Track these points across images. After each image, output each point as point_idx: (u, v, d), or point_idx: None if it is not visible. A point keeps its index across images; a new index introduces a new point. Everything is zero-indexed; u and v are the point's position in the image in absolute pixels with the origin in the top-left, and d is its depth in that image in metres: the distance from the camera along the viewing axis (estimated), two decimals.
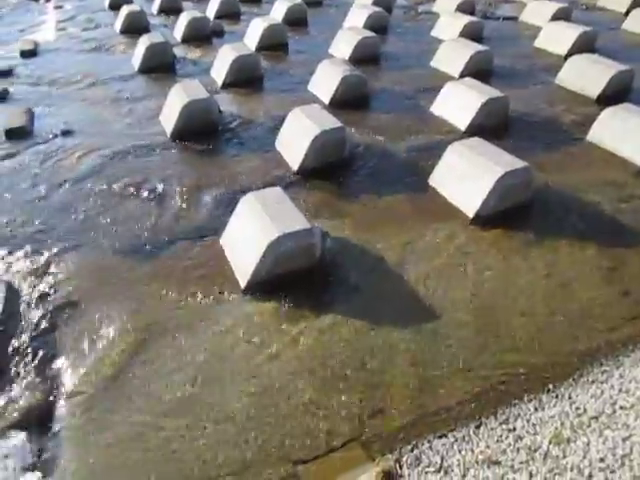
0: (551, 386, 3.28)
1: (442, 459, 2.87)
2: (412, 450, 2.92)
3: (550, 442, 2.94)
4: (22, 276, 4.16)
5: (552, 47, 8.88)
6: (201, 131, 6.17)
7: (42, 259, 4.32)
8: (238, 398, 3.21)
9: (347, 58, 8.22)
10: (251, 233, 4.10)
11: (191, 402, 3.19)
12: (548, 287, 4.04)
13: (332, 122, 5.51)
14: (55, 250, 4.41)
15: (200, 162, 5.78)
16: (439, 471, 2.81)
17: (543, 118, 6.65)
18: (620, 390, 3.24)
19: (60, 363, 3.46)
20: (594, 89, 7.10)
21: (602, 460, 2.84)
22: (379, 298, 3.95)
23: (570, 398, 3.19)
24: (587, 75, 7.22)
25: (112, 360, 3.46)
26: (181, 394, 3.24)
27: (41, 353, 3.52)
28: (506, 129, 6.37)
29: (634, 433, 2.97)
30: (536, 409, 3.13)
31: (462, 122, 6.33)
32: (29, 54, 8.88)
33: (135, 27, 9.88)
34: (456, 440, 2.97)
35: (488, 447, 2.92)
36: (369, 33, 8.67)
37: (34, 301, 3.92)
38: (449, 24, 9.47)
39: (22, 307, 3.87)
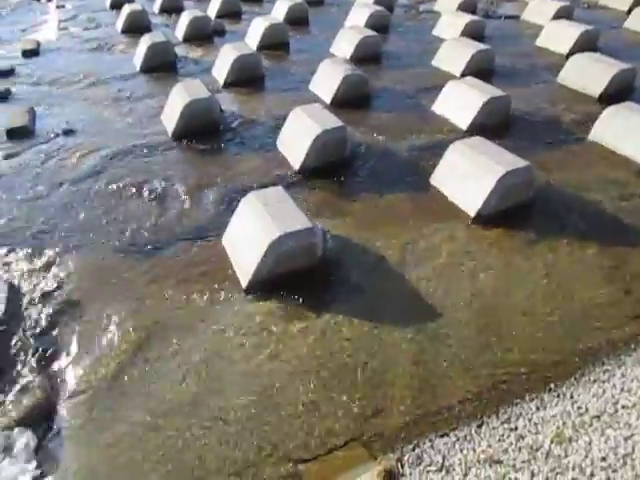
0: (553, 385, 3.27)
1: (444, 458, 2.86)
2: (414, 449, 2.92)
3: (552, 441, 2.94)
4: (24, 276, 4.17)
5: (554, 46, 8.86)
6: (202, 130, 6.17)
7: (43, 259, 4.33)
8: (239, 397, 3.21)
9: (348, 57, 8.23)
10: (252, 232, 4.10)
11: (192, 402, 3.19)
12: (549, 286, 4.04)
13: (333, 121, 5.51)
14: (56, 250, 4.42)
15: (201, 161, 5.78)
16: (440, 470, 2.81)
17: (545, 117, 6.64)
18: (622, 389, 3.24)
19: (61, 362, 3.46)
20: (596, 88, 7.08)
21: (604, 459, 2.84)
22: (380, 297, 3.95)
23: (572, 397, 3.19)
24: (589, 74, 7.21)
25: (113, 359, 3.46)
26: (182, 394, 3.24)
27: (42, 352, 3.53)
28: (507, 128, 6.36)
29: (636, 432, 2.97)
30: (538, 408, 3.13)
31: (463, 121, 6.33)
32: (31, 54, 8.90)
33: (136, 26, 9.89)
34: (458, 439, 2.97)
35: (490, 446, 2.92)
36: (370, 32, 8.67)
37: (35, 301, 3.93)
38: (450, 23, 9.46)
39: (24, 307, 3.88)
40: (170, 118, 6.33)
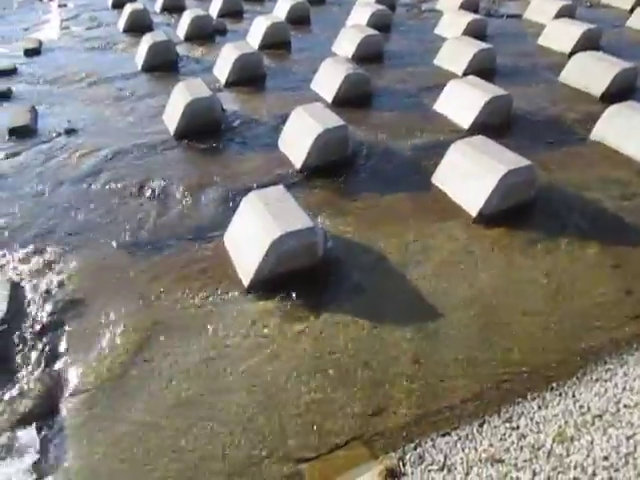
0: (555, 384, 3.27)
1: (445, 457, 2.86)
2: (415, 448, 2.91)
3: (554, 440, 2.93)
4: (26, 275, 4.18)
5: (556, 45, 8.84)
6: (204, 130, 6.17)
7: (46, 258, 4.34)
8: (241, 397, 3.21)
9: (350, 56, 8.22)
10: (254, 232, 4.10)
11: (193, 401, 3.19)
12: (551, 285, 4.03)
13: (335, 120, 5.51)
14: (59, 249, 4.43)
15: (203, 161, 5.78)
16: (442, 469, 2.81)
17: (546, 116, 6.63)
18: (624, 388, 3.23)
19: (64, 361, 3.47)
20: (598, 87, 7.07)
21: (606, 458, 2.83)
22: (382, 297, 3.95)
23: (574, 396, 3.19)
24: (591, 73, 7.20)
25: (114, 359, 3.46)
26: (183, 393, 3.24)
27: (45, 351, 3.53)
28: (509, 127, 6.35)
29: (638, 431, 2.97)
30: (540, 407, 3.13)
31: (465, 120, 6.32)
32: (33, 53, 8.90)
33: (138, 25, 9.88)
34: (459, 438, 2.97)
35: (491, 445, 2.92)
36: (372, 31, 8.66)
37: (38, 300, 3.93)
38: (452, 22, 9.44)
39: (26, 306, 3.88)
40: (171, 117, 6.33)
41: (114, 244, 4.48)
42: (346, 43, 8.63)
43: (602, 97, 6.97)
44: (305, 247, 4.02)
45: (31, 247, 4.45)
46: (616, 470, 2.78)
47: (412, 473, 2.79)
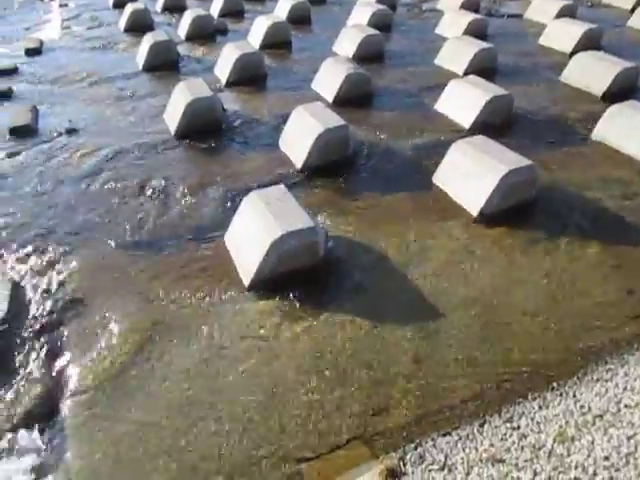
0: (555, 384, 3.27)
1: (446, 457, 2.86)
2: (416, 448, 2.91)
3: (554, 440, 2.93)
4: (27, 274, 4.18)
5: (557, 44, 8.83)
6: (205, 129, 6.17)
7: (47, 257, 4.34)
8: (241, 397, 3.21)
9: (351, 56, 8.22)
10: (254, 231, 4.10)
11: (194, 400, 3.19)
12: (552, 285, 4.03)
13: (336, 120, 5.51)
14: (59, 248, 4.43)
15: (204, 160, 5.78)
16: (443, 469, 2.81)
17: (547, 116, 6.63)
18: (625, 388, 3.23)
19: (64, 360, 3.47)
20: (599, 86, 7.07)
21: (607, 458, 2.83)
22: (382, 296, 3.95)
23: (574, 396, 3.18)
24: (592, 72, 7.19)
25: (115, 358, 3.46)
26: (184, 392, 3.24)
27: (46, 350, 3.53)
28: (510, 127, 6.35)
29: (639, 431, 2.96)
30: (540, 407, 3.12)
31: (466, 120, 6.32)
32: (34, 52, 8.90)
33: (139, 25, 9.88)
34: (460, 438, 2.96)
35: (492, 445, 2.92)
36: (373, 31, 8.66)
37: (38, 299, 3.94)
38: (453, 22, 9.44)
39: (27, 305, 3.89)
40: (172, 117, 6.33)
41: (114, 244, 4.48)
42: (347, 43, 8.63)
43: (603, 97, 6.97)
44: (306, 247, 4.02)
45: (32, 247, 4.45)
46: (617, 470, 2.77)
47: (413, 473, 2.79)
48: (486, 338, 3.59)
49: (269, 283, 3.97)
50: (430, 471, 2.79)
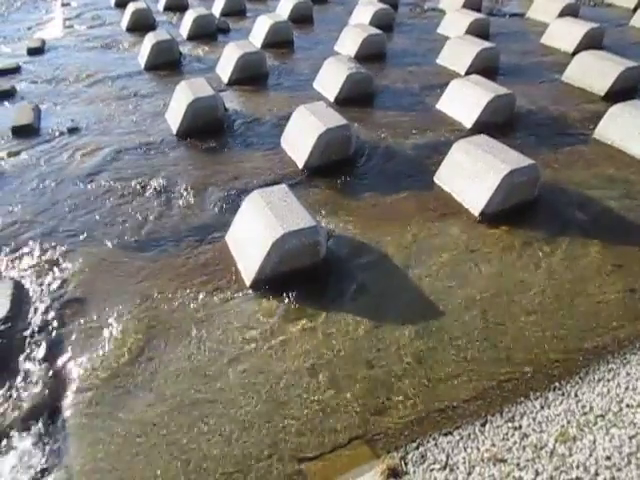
0: (557, 384, 3.26)
1: (447, 457, 2.86)
2: (417, 448, 2.91)
3: (556, 440, 2.93)
4: (29, 274, 4.18)
5: (559, 44, 8.83)
6: (207, 129, 6.18)
7: (48, 257, 4.34)
8: (244, 395, 3.21)
9: (353, 55, 8.21)
10: (256, 231, 4.10)
11: (196, 399, 3.20)
12: (554, 285, 4.02)
13: (337, 120, 5.50)
14: (61, 247, 4.43)
15: (205, 160, 5.78)
16: (444, 469, 2.80)
17: (549, 115, 6.62)
18: (627, 388, 3.23)
19: (65, 360, 3.47)
20: (601, 86, 7.06)
21: (608, 458, 2.83)
22: (384, 296, 3.95)
23: (576, 396, 3.18)
24: (594, 72, 7.18)
25: (116, 357, 3.47)
26: (185, 391, 3.24)
27: (48, 350, 3.53)
28: (512, 126, 6.34)
29: None
30: (542, 407, 3.12)
31: (468, 119, 6.31)
32: (36, 52, 8.92)
33: (141, 24, 9.92)
34: (462, 438, 2.96)
35: (494, 445, 2.92)
36: (375, 30, 8.66)
37: (41, 298, 3.94)
38: (455, 21, 9.43)
39: (28, 305, 3.89)
40: (174, 116, 6.34)
41: (116, 243, 4.49)
42: (349, 42, 8.63)
43: (605, 96, 6.96)
44: (307, 246, 4.02)
45: (33, 246, 4.45)
46: (619, 470, 2.77)
47: (414, 472, 2.79)
48: (487, 338, 3.58)
49: (270, 282, 3.97)
50: (432, 470, 2.80)
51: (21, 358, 3.47)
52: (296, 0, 10.37)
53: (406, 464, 2.83)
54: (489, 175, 4.71)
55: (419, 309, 3.82)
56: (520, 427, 3.01)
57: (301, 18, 10.30)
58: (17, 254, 4.38)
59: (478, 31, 9.02)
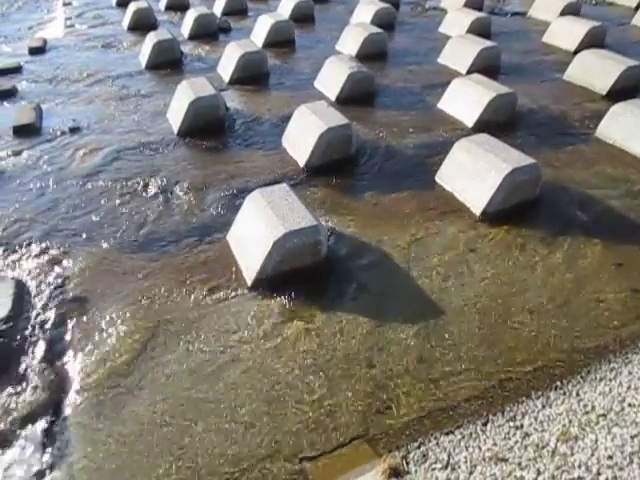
0: (559, 383, 3.26)
1: (449, 456, 2.86)
2: (419, 447, 2.91)
3: (558, 439, 2.93)
4: (30, 273, 4.19)
5: (561, 43, 8.81)
6: (208, 128, 6.18)
7: (49, 256, 4.35)
8: (245, 395, 3.21)
9: (354, 54, 8.21)
10: (257, 230, 4.10)
11: (198, 398, 3.20)
12: (556, 284, 4.02)
13: (339, 119, 5.50)
14: (63, 247, 4.44)
15: (207, 159, 5.79)
16: (446, 468, 2.80)
17: (551, 114, 6.61)
18: (629, 387, 3.22)
19: (68, 359, 3.47)
20: (603, 85, 7.04)
21: (610, 458, 2.83)
22: (385, 295, 3.94)
23: (578, 395, 3.18)
24: (596, 71, 7.17)
25: (118, 357, 3.47)
26: (186, 391, 3.25)
27: (49, 349, 3.54)
28: (513, 125, 6.33)
29: None
30: (544, 406, 3.12)
31: (469, 118, 6.31)
32: (37, 51, 8.92)
33: (142, 24, 9.92)
34: (463, 437, 2.96)
35: (495, 444, 2.91)
36: (376, 29, 8.65)
37: (42, 298, 3.94)
38: (457, 20, 9.42)
39: (30, 304, 3.89)
40: (176, 116, 6.34)
41: (117, 242, 4.49)
42: (350, 41, 8.63)
43: (607, 95, 6.94)
44: (309, 245, 4.02)
45: (35, 245, 4.46)
46: (620, 469, 2.77)
47: (416, 472, 2.79)
48: (489, 337, 3.58)
49: (272, 282, 3.97)
50: (433, 470, 2.79)
51: (22, 357, 3.48)
52: None
53: (407, 463, 2.83)
54: (490, 174, 4.70)
55: (420, 308, 3.82)
56: (522, 426, 3.01)
57: (302, 17, 10.29)
58: (18, 253, 4.39)
59: (479, 30, 9.01)
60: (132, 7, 10.12)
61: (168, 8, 11.29)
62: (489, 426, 3.02)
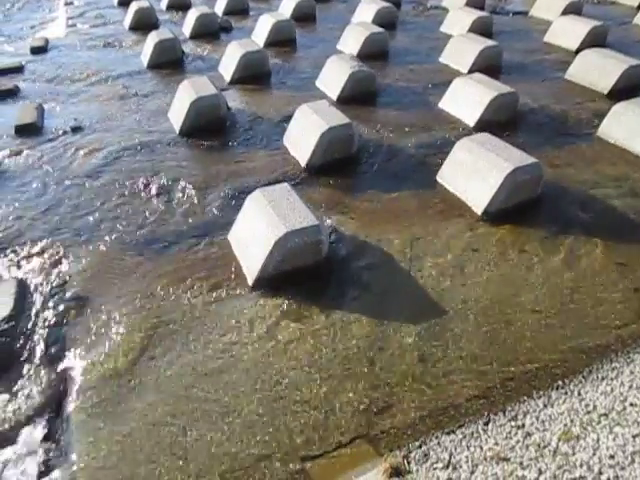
0: (560, 383, 3.26)
1: (450, 455, 2.86)
2: (420, 446, 2.91)
3: (559, 439, 2.92)
4: (32, 273, 4.19)
5: (562, 42, 8.79)
6: (209, 127, 6.18)
7: (51, 255, 4.35)
8: (246, 394, 3.21)
9: (355, 54, 8.21)
10: (259, 229, 4.10)
11: (199, 398, 3.20)
12: (557, 283, 4.01)
13: (340, 118, 5.50)
14: (64, 247, 4.44)
15: (208, 158, 5.79)
16: (447, 467, 2.80)
17: (553, 113, 6.60)
18: (630, 387, 3.22)
19: (69, 358, 3.48)
20: (605, 84, 7.03)
21: (612, 457, 2.82)
22: (386, 295, 3.94)
23: (580, 395, 3.17)
24: (598, 70, 7.15)
25: (119, 356, 3.47)
26: (187, 390, 3.25)
27: (51, 349, 3.54)
28: (515, 125, 6.32)
29: None
30: (545, 406, 3.12)
31: (471, 118, 6.30)
32: (39, 51, 8.93)
33: (144, 23, 9.92)
34: (464, 436, 2.96)
35: (497, 444, 2.91)
36: (378, 29, 8.64)
37: (44, 298, 3.95)
38: (458, 19, 9.41)
39: (32, 304, 3.90)
40: (177, 115, 6.34)
41: (118, 242, 4.49)
42: (351, 40, 8.62)
43: (609, 94, 6.93)
44: (310, 245, 4.02)
45: (36, 245, 4.46)
46: (622, 468, 2.76)
47: (417, 471, 2.79)
48: (491, 336, 3.58)
49: (273, 281, 3.97)
50: (434, 469, 2.79)
51: (24, 356, 3.48)
52: None
53: (409, 463, 2.83)
54: (492, 173, 4.70)
55: (421, 308, 3.81)
56: (523, 426, 3.01)
57: (304, 17, 10.28)
58: (20, 253, 4.39)
59: (481, 29, 8.99)
60: (133, 6, 10.12)
61: (169, 7, 11.29)
62: (490, 425, 3.01)
